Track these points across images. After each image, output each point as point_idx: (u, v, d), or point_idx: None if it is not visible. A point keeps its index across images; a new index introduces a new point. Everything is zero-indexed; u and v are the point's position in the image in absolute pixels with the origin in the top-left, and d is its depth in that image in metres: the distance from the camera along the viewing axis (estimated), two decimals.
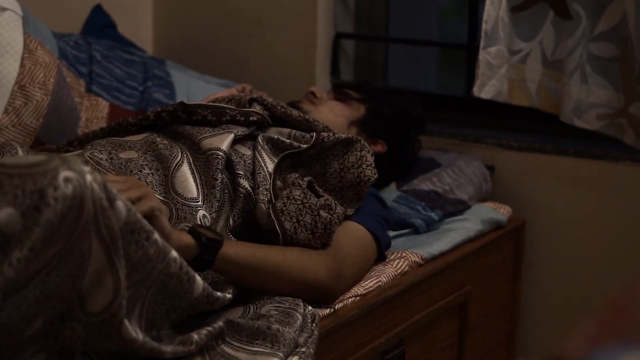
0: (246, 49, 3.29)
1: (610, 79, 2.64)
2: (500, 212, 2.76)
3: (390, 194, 2.63)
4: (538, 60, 2.73)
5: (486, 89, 2.77)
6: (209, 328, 1.76)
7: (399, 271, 2.30)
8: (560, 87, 2.70)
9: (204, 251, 1.83)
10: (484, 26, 2.72)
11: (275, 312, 1.87)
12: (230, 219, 2.07)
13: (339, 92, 2.60)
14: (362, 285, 2.18)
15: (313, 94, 2.56)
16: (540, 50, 2.72)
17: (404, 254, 2.36)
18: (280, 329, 1.79)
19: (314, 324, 1.90)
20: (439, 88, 4.45)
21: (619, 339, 0.86)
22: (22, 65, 2.53)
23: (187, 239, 1.81)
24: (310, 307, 1.95)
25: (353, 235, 2.17)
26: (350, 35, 3.31)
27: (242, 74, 3.27)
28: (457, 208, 2.68)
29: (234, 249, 1.90)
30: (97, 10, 3.09)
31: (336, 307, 2.07)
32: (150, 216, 1.72)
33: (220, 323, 1.79)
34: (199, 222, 1.97)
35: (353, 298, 2.13)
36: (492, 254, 2.71)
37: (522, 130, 3.06)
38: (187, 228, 1.86)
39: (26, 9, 2.62)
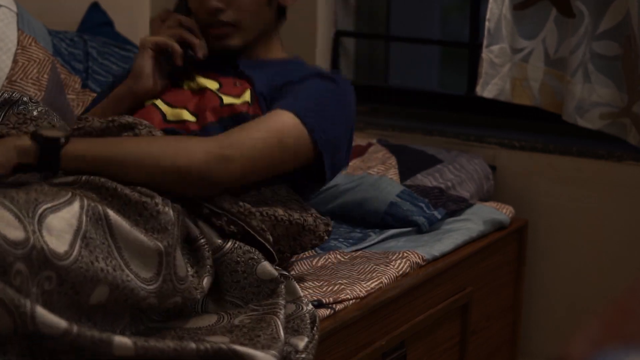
0: None
1: (613, 78, 2.63)
2: (503, 212, 2.75)
3: (393, 188, 2.61)
4: (541, 58, 2.72)
5: (489, 87, 2.76)
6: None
7: (400, 272, 2.28)
8: (562, 85, 2.69)
9: (45, 151, 1.78)
10: (486, 24, 2.71)
11: (249, 321, 1.79)
12: None
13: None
14: (363, 286, 2.16)
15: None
16: (543, 49, 2.71)
17: (405, 255, 2.35)
18: (261, 338, 1.71)
19: (314, 328, 1.85)
20: (440, 87, 4.44)
21: (623, 341, 0.85)
22: (14, 61, 2.53)
23: (23, 141, 1.78)
24: (310, 306, 1.90)
25: (263, 119, 1.97)
26: (350, 33, 3.30)
27: None
28: (459, 206, 2.67)
29: (84, 145, 1.82)
30: (94, 8, 3.08)
31: (336, 309, 2.05)
32: None
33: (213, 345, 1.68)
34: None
35: (354, 300, 2.11)
36: (494, 255, 2.69)
37: (525, 130, 3.05)
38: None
39: (21, 6, 2.62)
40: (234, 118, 2.00)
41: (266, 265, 1.87)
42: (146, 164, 1.83)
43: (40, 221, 1.54)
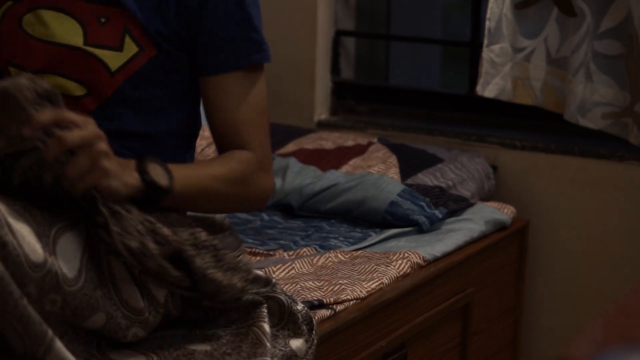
0: None
1: (616, 77, 2.63)
2: (504, 212, 2.74)
3: (394, 187, 2.61)
4: (542, 58, 2.72)
5: (490, 87, 2.75)
6: None
7: (401, 273, 2.28)
8: (564, 85, 2.69)
9: (149, 195, 1.64)
10: (487, 23, 2.71)
11: (224, 334, 1.72)
12: None
13: None
14: (364, 286, 2.16)
15: None
16: (544, 48, 2.71)
17: (406, 255, 2.34)
18: (243, 347, 1.68)
19: (312, 331, 1.81)
20: (441, 86, 4.43)
21: (626, 342, 0.85)
22: None
23: (134, 181, 1.59)
24: (300, 306, 1.83)
25: (260, 104, 1.93)
26: (351, 33, 3.29)
27: None
28: (460, 206, 2.66)
29: (179, 189, 1.67)
30: None
31: (337, 310, 2.04)
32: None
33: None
34: None
35: (354, 300, 2.10)
36: (495, 255, 2.69)
37: (526, 129, 3.04)
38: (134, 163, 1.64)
39: None
40: (132, 80, 1.78)
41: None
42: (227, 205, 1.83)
43: (55, 241, 1.51)
